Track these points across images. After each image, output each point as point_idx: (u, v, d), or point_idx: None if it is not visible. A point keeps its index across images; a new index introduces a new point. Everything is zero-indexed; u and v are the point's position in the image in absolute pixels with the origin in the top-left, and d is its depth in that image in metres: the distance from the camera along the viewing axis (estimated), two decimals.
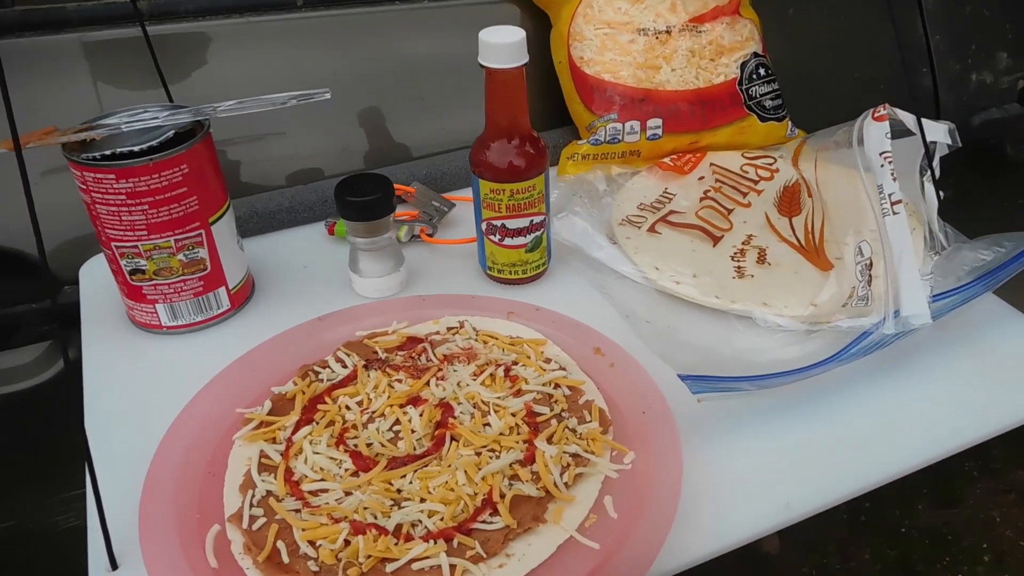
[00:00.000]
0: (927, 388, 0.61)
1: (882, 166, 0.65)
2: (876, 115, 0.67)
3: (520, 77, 0.63)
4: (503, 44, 0.61)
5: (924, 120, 0.69)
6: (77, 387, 0.63)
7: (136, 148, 0.59)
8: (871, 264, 0.65)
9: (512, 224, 0.67)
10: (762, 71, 0.89)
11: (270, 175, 0.85)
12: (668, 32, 0.87)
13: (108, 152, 0.59)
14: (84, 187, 0.60)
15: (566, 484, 0.50)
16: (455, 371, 0.59)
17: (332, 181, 0.83)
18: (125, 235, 0.61)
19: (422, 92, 0.90)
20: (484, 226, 0.68)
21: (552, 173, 0.71)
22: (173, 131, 0.61)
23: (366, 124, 0.89)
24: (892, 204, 0.64)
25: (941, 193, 0.70)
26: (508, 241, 0.68)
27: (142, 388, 0.62)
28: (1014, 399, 0.60)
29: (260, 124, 0.83)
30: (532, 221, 0.68)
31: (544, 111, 0.95)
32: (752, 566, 1.53)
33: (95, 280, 0.74)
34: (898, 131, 0.68)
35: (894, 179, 0.64)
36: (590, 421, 0.55)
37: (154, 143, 0.60)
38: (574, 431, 0.54)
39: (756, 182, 0.82)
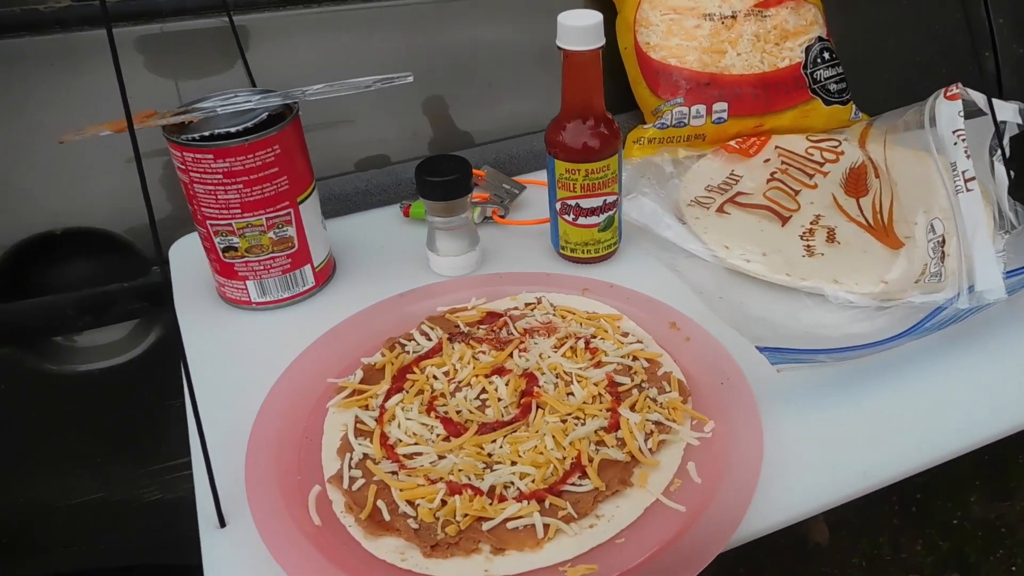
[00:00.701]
0: (1000, 362, 0.62)
1: (955, 144, 0.65)
2: (948, 94, 0.68)
3: (596, 59, 0.65)
4: (581, 27, 0.63)
5: (994, 100, 0.69)
6: (178, 360, 0.66)
7: (233, 129, 0.62)
8: (943, 241, 0.66)
9: (586, 204, 0.69)
10: (826, 55, 0.90)
11: (341, 161, 0.88)
12: (733, 17, 0.88)
13: (207, 133, 0.62)
14: (183, 167, 0.63)
15: (650, 450, 0.52)
16: (536, 344, 0.61)
17: (404, 165, 0.86)
18: (220, 213, 0.64)
19: (489, 78, 0.92)
20: (558, 206, 0.70)
21: None
22: (266, 114, 0.64)
23: (433, 111, 0.91)
24: (966, 181, 0.64)
25: (1011, 172, 0.70)
26: (582, 220, 0.70)
27: (235, 361, 0.65)
28: None
29: (333, 111, 0.86)
30: (605, 201, 0.69)
31: (609, 96, 0.95)
32: (802, 556, 1.53)
33: (183, 260, 0.77)
34: (967, 112, 0.69)
35: (967, 157, 0.65)
36: (670, 391, 0.57)
37: (249, 125, 0.63)
38: (655, 400, 0.56)
39: (822, 164, 0.83)
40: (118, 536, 0.95)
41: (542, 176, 0.87)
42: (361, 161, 0.90)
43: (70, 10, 0.78)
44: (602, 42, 0.64)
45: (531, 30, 0.92)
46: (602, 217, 0.70)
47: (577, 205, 0.69)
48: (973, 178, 0.64)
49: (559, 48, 0.64)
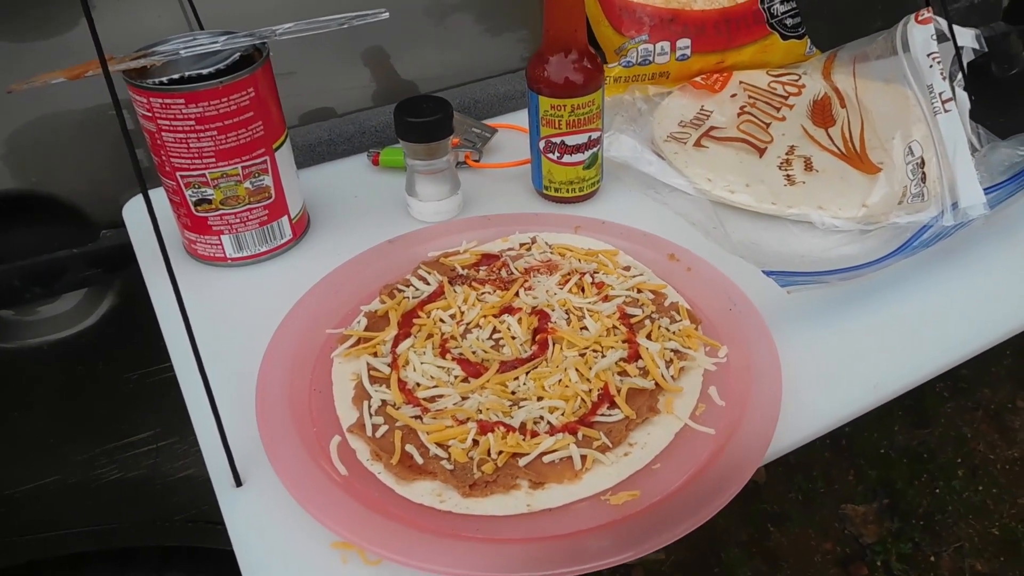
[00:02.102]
0: (988, 272, 0.64)
1: (931, 67, 0.67)
2: (920, 19, 0.69)
3: None
4: None
5: (954, 26, 0.71)
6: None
7: (204, 71, 0.58)
8: (923, 163, 0.68)
9: (571, 140, 0.68)
10: None
11: (287, 113, 0.83)
12: None
13: (175, 76, 0.57)
14: (149, 115, 0.58)
15: (672, 377, 0.52)
16: (540, 281, 0.59)
17: (367, 112, 0.82)
18: (192, 163, 0.60)
19: (449, 21, 0.89)
20: (542, 144, 0.69)
21: None
22: (237, 55, 0.60)
23: (380, 57, 0.87)
24: (943, 102, 0.66)
25: (972, 96, 0.72)
26: (567, 158, 0.69)
27: (216, 321, 0.61)
28: None
29: (281, 62, 0.81)
30: (590, 137, 0.68)
31: None
32: (742, 495, 1.57)
33: (138, 222, 0.72)
34: None
35: (943, 78, 0.66)
36: (680, 320, 0.56)
37: (220, 66, 0.58)
38: (668, 329, 0.55)
39: (786, 97, 0.84)
40: (75, 521, 0.89)
41: (510, 119, 0.85)
42: (307, 114, 0.85)
43: None
44: None
45: None
46: (587, 154, 0.69)
47: (562, 142, 0.68)
48: (951, 99, 0.66)
49: None
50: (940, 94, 0.66)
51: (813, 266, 0.61)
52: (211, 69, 0.58)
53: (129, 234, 0.71)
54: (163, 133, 0.59)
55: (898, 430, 1.71)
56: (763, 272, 0.57)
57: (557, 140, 0.68)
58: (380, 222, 0.70)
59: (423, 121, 0.65)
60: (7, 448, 0.80)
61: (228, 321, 0.61)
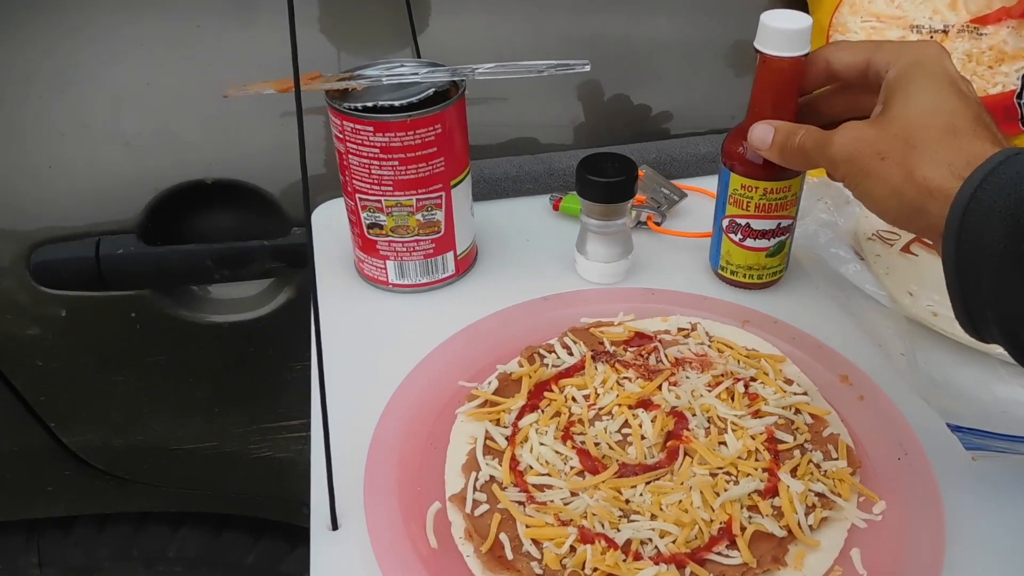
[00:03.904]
0: None
1: None
2: None
3: (798, 68, 0.57)
4: (786, 30, 0.56)
5: None
6: (304, 324, 0.63)
7: (396, 103, 0.58)
8: None
9: (758, 225, 0.62)
10: None
11: (490, 139, 0.84)
12: (945, 31, 0.78)
13: (369, 104, 0.58)
14: (341, 136, 0.60)
15: (811, 527, 0.46)
16: (688, 378, 0.55)
17: (559, 154, 0.81)
18: (371, 188, 0.61)
19: (658, 71, 0.86)
20: (725, 223, 0.64)
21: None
22: (432, 89, 0.60)
23: (592, 98, 0.86)
24: None
25: None
26: (750, 242, 0.63)
27: (365, 344, 0.62)
28: None
29: (486, 88, 0.82)
30: (780, 224, 0.63)
31: None
32: None
33: (324, 226, 0.75)
34: None
35: None
36: (836, 458, 0.50)
37: (413, 100, 0.59)
38: (818, 467, 0.49)
39: None
40: (223, 485, 0.96)
41: (704, 184, 0.81)
42: (510, 143, 0.85)
43: None
44: (807, 50, 0.56)
45: (709, 25, 0.85)
46: (773, 241, 0.63)
47: (748, 225, 0.63)
48: None
49: (756, 51, 0.57)
50: None
51: (1017, 427, 0.52)
52: (404, 101, 0.59)
53: (312, 237, 0.74)
54: (350, 155, 0.61)
55: None
56: (948, 426, 0.49)
57: (743, 222, 0.63)
58: (545, 272, 0.69)
59: (604, 181, 0.63)
60: (176, 408, 0.87)
61: (376, 346, 0.62)
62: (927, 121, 0.44)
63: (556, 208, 0.76)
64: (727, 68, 0.87)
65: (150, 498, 0.95)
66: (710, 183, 0.80)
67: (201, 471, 0.92)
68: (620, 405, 0.53)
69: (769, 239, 0.63)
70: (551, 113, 0.84)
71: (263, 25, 0.77)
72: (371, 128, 0.58)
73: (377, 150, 0.59)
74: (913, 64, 0.46)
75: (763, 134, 0.55)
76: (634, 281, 0.68)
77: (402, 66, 0.64)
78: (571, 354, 0.57)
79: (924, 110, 0.44)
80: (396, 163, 0.60)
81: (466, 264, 0.68)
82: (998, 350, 0.59)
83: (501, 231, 0.74)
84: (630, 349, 0.58)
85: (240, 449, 0.91)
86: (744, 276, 0.65)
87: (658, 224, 0.74)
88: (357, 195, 0.62)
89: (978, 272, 0.40)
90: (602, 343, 0.58)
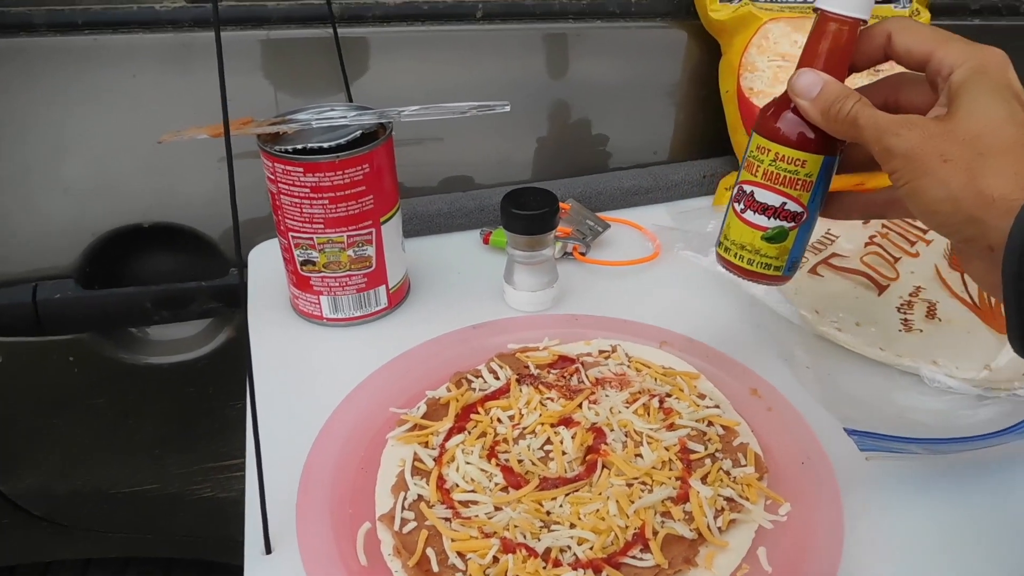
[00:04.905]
0: None
1: None
2: None
3: (853, 34, 0.50)
4: None
5: None
6: (237, 365, 0.66)
7: (325, 145, 0.61)
8: None
9: (761, 196, 0.54)
10: None
11: (426, 179, 0.88)
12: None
13: (299, 147, 0.61)
14: (273, 177, 0.63)
15: (719, 529, 0.49)
16: (607, 396, 0.58)
17: (490, 190, 0.84)
18: (303, 227, 0.64)
19: (583, 111, 0.90)
20: (735, 191, 0.57)
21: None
22: (359, 131, 0.63)
23: (523, 138, 0.90)
24: None
25: None
26: (749, 215, 0.55)
27: (300, 376, 0.64)
28: None
29: (422, 129, 0.85)
30: (784, 204, 0.54)
31: (701, 139, 0.94)
32: None
33: (261, 265, 0.77)
34: None
35: None
36: (745, 465, 0.53)
37: (341, 141, 0.62)
38: (728, 474, 0.53)
39: (925, 231, 0.78)
40: (167, 528, 0.96)
41: (628, 215, 0.85)
42: (446, 180, 0.89)
43: (183, 10, 0.79)
44: (867, 16, 0.50)
45: (631, 68, 0.90)
46: (772, 223, 0.55)
47: (752, 194, 0.54)
48: None
49: (815, 10, 0.51)
50: None
51: (911, 429, 0.56)
52: (332, 143, 0.62)
53: (248, 276, 0.76)
54: (282, 196, 0.63)
55: None
56: (844, 430, 0.53)
57: (748, 189, 0.55)
58: (476, 303, 0.72)
59: (526, 214, 0.66)
60: (118, 451, 0.87)
61: (312, 378, 0.64)
62: (997, 131, 0.42)
63: (486, 242, 0.79)
64: (650, 106, 0.92)
65: (93, 544, 0.95)
66: (633, 215, 0.85)
67: (144, 514, 0.93)
68: (543, 424, 0.56)
69: (769, 217, 0.55)
70: (485, 152, 0.88)
71: (199, 71, 0.79)
72: (301, 169, 0.61)
73: (307, 190, 0.62)
74: (980, 70, 0.45)
75: (810, 82, 0.49)
76: (560, 308, 0.71)
77: (332, 110, 0.67)
78: (497, 378, 0.60)
79: (995, 119, 0.43)
80: (326, 202, 0.63)
81: (399, 297, 0.71)
82: (897, 360, 0.64)
83: (434, 265, 0.77)
84: (553, 371, 0.61)
85: (183, 490, 0.91)
86: (736, 256, 0.57)
87: (583, 254, 0.77)
88: (290, 233, 0.65)
89: None
90: (527, 367, 0.61)
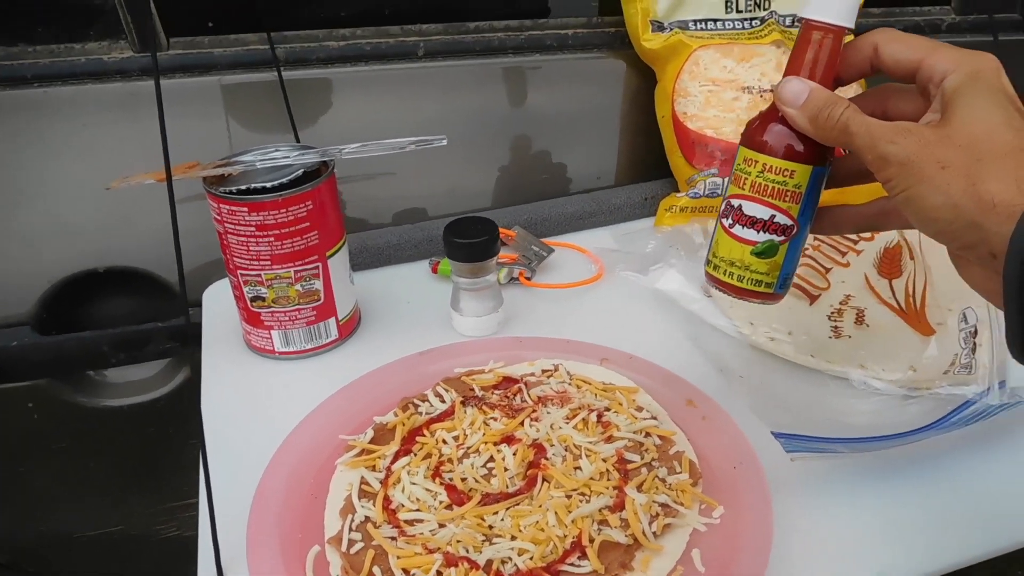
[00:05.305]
0: None
1: None
2: None
3: (838, 42, 0.50)
4: None
5: None
6: (196, 404, 0.67)
7: (268, 184, 0.64)
8: (976, 332, 0.64)
9: (750, 209, 0.52)
10: None
11: (379, 213, 0.90)
12: (771, 91, 0.88)
13: (243, 187, 0.64)
14: (219, 218, 0.65)
15: (655, 533, 0.51)
16: (549, 413, 0.60)
17: (438, 221, 0.87)
18: (251, 264, 0.66)
19: (532, 141, 0.93)
20: (723, 206, 0.55)
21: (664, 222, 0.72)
22: (302, 170, 0.66)
23: (472, 169, 0.93)
24: None
25: None
26: (738, 230, 0.53)
27: (253, 409, 0.66)
28: None
29: (373, 165, 0.88)
30: (774, 217, 0.52)
31: (643, 163, 0.97)
32: None
33: (216, 304, 0.79)
34: None
35: None
36: (680, 472, 0.56)
37: (284, 180, 0.64)
38: (664, 481, 0.55)
39: (856, 242, 0.82)
40: (134, 569, 0.96)
41: (573, 239, 0.88)
42: (399, 214, 0.92)
43: (131, 60, 0.81)
44: (851, 24, 0.50)
45: (575, 98, 0.93)
46: (762, 237, 0.53)
47: (740, 208, 0.53)
48: None
49: (800, 20, 0.51)
50: None
51: (840, 431, 0.59)
52: (275, 182, 0.64)
53: (203, 315, 0.78)
54: (229, 235, 0.66)
55: None
56: (772, 433, 0.56)
57: (736, 203, 0.53)
58: (425, 330, 0.74)
59: (467, 242, 0.69)
60: (80, 494, 0.88)
61: (265, 412, 0.66)
62: (996, 136, 0.42)
63: (435, 271, 0.82)
64: (595, 134, 0.96)
65: None
66: (578, 239, 0.88)
67: (111, 557, 0.93)
68: (486, 442, 0.58)
69: (759, 231, 0.53)
70: (435, 185, 0.91)
71: (148, 119, 0.80)
72: (246, 209, 0.63)
73: (253, 228, 0.64)
74: (974, 76, 0.44)
75: (797, 90, 0.48)
76: (506, 331, 0.74)
77: (277, 150, 0.70)
78: (443, 401, 0.62)
79: (992, 124, 0.42)
80: (272, 239, 0.65)
81: (349, 328, 0.73)
82: (827, 366, 0.67)
83: (384, 296, 0.79)
84: (497, 392, 0.63)
85: (148, 531, 0.92)
86: (725, 273, 0.55)
87: (529, 279, 0.80)
88: (239, 271, 0.67)
89: None
90: (472, 389, 0.64)
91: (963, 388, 0.62)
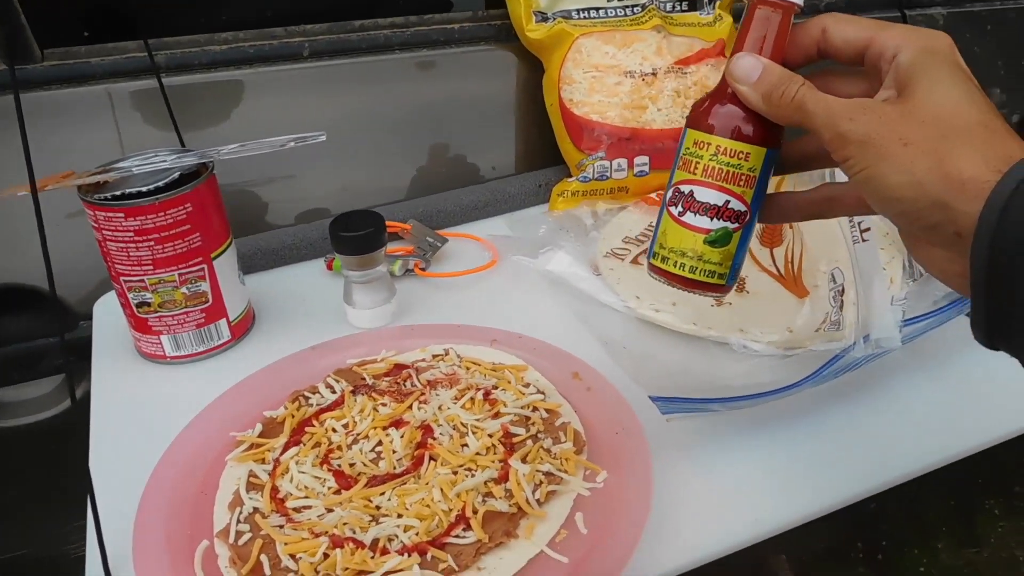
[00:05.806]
0: (898, 409, 0.63)
1: None
2: None
3: (787, 21, 0.47)
4: None
5: None
6: (85, 416, 0.67)
7: (144, 188, 0.63)
8: (843, 291, 0.68)
9: (702, 195, 0.49)
10: None
11: (282, 214, 0.90)
12: (654, 74, 0.91)
13: (119, 192, 0.63)
14: (96, 225, 0.64)
15: (539, 501, 0.53)
16: (437, 395, 0.61)
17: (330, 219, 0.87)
18: (132, 270, 0.65)
19: (426, 136, 0.95)
20: (669, 194, 0.51)
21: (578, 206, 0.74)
22: (179, 173, 0.66)
23: (368, 166, 0.94)
24: (862, 231, 0.66)
25: None
26: (689, 218, 0.50)
27: (145, 415, 0.66)
28: (982, 421, 0.62)
29: (272, 167, 0.88)
30: (728, 203, 0.49)
31: (538, 151, 0.99)
32: None
33: (107, 315, 0.78)
34: None
35: None
36: (565, 442, 0.58)
37: (161, 184, 0.64)
38: (549, 451, 0.57)
39: None
40: None
41: (467, 229, 0.89)
42: (302, 215, 0.92)
43: (2, 74, 0.79)
44: (801, 1, 0.47)
45: (469, 90, 0.95)
46: (716, 224, 0.49)
47: (691, 194, 0.49)
48: (868, 228, 0.66)
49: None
50: (859, 223, 0.66)
51: (721, 392, 0.61)
52: (151, 186, 0.64)
53: (94, 327, 0.77)
54: (108, 242, 0.65)
55: (943, 548, 1.61)
56: (649, 397, 0.58)
57: (686, 189, 0.49)
58: (320, 326, 0.74)
59: (352, 235, 0.69)
60: None
61: (156, 416, 0.65)
62: (960, 112, 0.40)
63: (329, 268, 0.82)
64: (488, 126, 0.97)
65: None
66: (474, 228, 0.89)
67: None
68: (375, 428, 0.58)
69: (712, 218, 0.50)
70: (335, 184, 0.92)
71: (29, 130, 0.80)
72: (122, 214, 0.63)
73: (132, 233, 0.64)
74: (928, 52, 0.42)
75: (749, 66, 0.45)
76: (401, 322, 0.75)
77: (155, 155, 0.69)
78: (334, 392, 0.63)
79: (955, 100, 0.40)
80: (152, 243, 0.64)
81: (243, 328, 0.73)
82: (708, 332, 0.69)
83: (279, 295, 0.79)
84: (387, 379, 0.64)
85: (58, 552, 0.90)
86: (675, 265, 0.51)
87: (423, 269, 0.81)
88: (121, 278, 0.66)
89: (1017, 268, 0.36)
90: (363, 378, 0.64)
91: (833, 344, 0.65)
